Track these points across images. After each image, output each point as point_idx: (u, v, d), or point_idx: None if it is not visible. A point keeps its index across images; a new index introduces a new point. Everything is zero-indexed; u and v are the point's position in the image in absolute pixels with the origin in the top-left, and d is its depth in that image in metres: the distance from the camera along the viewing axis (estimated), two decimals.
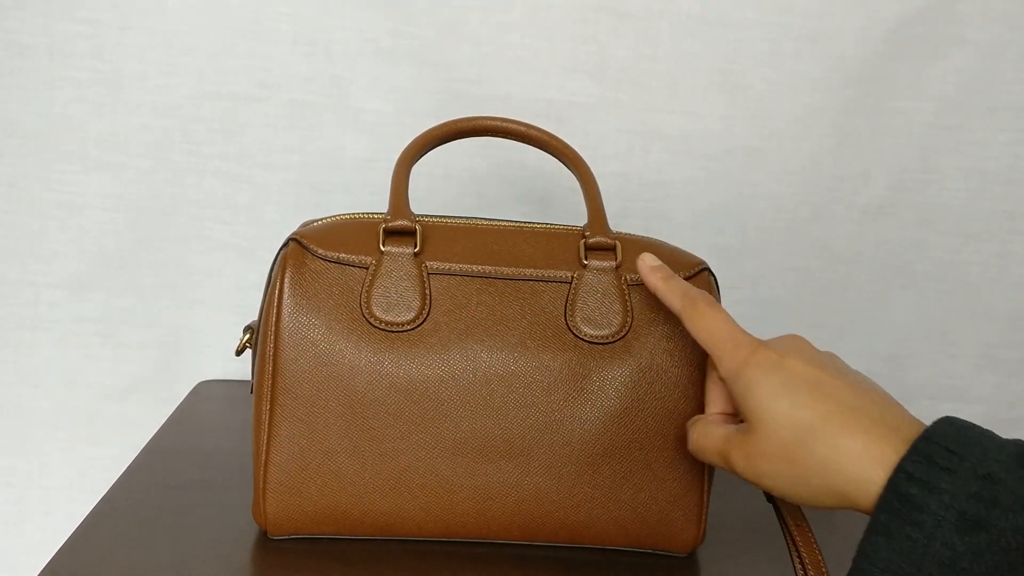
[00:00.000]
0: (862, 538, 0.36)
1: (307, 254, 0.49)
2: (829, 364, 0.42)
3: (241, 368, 0.77)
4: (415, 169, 0.53)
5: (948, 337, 0.82)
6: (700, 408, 0.49)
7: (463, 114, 0.55)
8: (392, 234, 0.50)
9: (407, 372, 0.48)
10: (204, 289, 0.78)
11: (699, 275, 0.52)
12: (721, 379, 0.44)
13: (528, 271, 0.50)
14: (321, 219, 0.52)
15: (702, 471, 0.51)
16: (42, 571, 0.46)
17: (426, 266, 0.49)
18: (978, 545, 0.33)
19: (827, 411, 0.38)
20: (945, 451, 0.35)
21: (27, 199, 0.74)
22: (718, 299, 0.52)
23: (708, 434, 0.44)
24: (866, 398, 0.39)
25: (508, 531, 0.50)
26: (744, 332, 0.43)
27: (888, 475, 0.35)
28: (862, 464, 0.37)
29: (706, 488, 0.51)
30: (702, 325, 0.44)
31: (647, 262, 0.48)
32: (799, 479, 0.39)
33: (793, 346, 0.42)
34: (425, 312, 0.49)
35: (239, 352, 0.52)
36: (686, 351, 0.50)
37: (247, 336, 0.52)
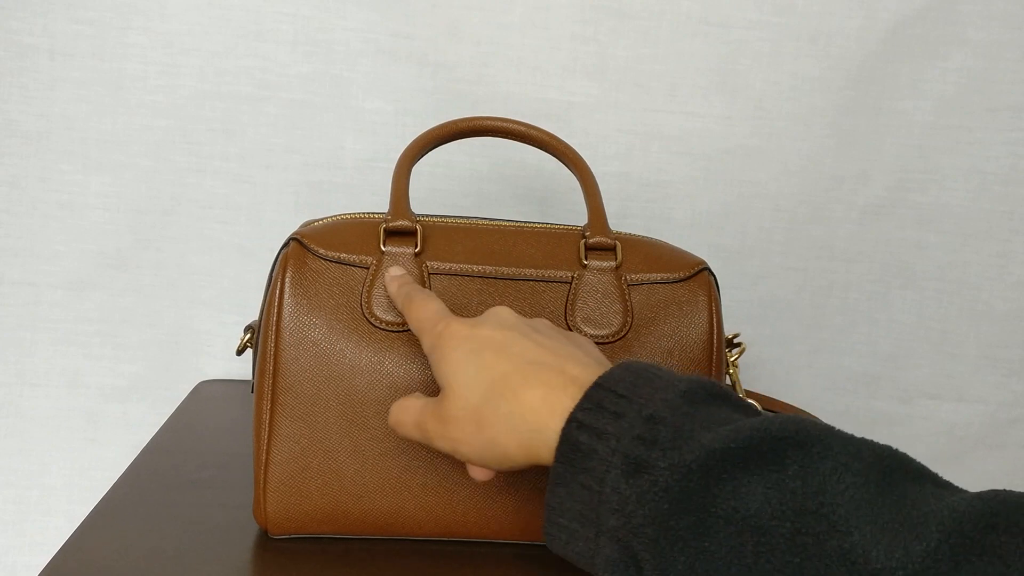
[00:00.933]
0: (546, 489, 0.36)
1: (308, 254, 0.49)
2: (522, 328, 0.42)
3: (241, 368, 0.77)
4: (415, 169, 0.53)
5: (948, 337, 0.82)
6: None
7: (463, 114, 0.55)
8: (393, 234, 0.50)
9: (408, 372, 0.48)
10: (204, 289, 0.78)
11: (699, 275, 0.52)
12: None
13: (528, 271, 0.50)
14: (322, 219, 0.52)
15: None
16: (42, 571, 0.46)
17: (427, 266, 0.49)
18: (641, 487, 0.32)
19: (509, 368, 0.39)
20: (615, 395, 0.35)
21: (28, 199, 0.74)
22: (719, 299, 0.52)
23: (405, 407, 0.44)
24: (551, 354, 0.39)
25: (508, 530, 0.50)
26: (448, 313, 0.44)
27: (563, 425, 0.36)
28: (542, 415, 0.37)
29: None
30: (412, 313, 0.45)
31: (389, 273, 0.48)
32: (489, 441, 0.39)
33: (489, 315, 0.43)
34: None
35: (240, 352, 0.53)
36: (686, 351, 0.50)
37: (248, 336, 0.52)
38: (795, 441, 0.31)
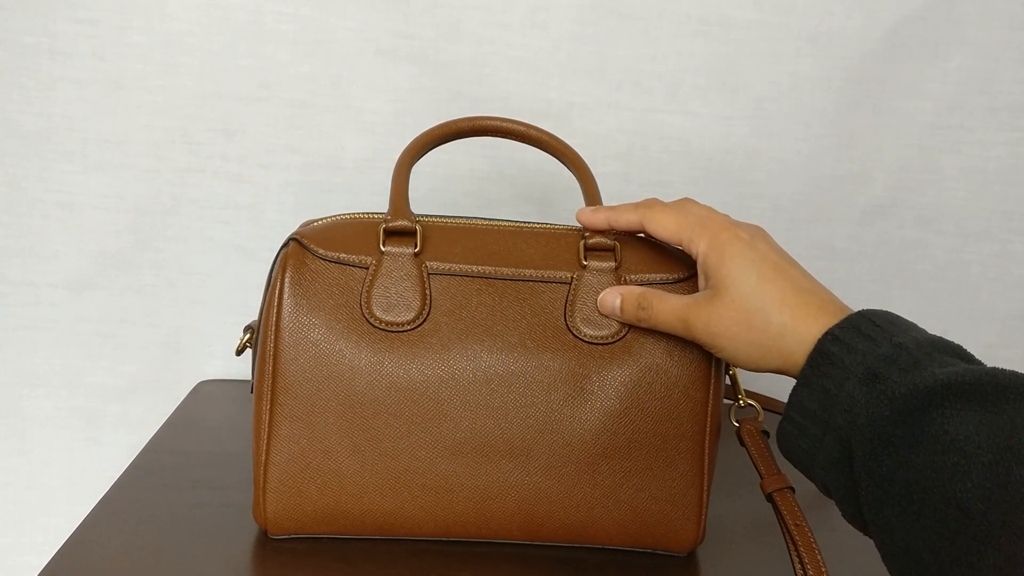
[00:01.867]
0: (791, 390, 0.41)
1: (307, 254, 0.49)
2: (787, 256, 0.47)
3: (241, 368, 0.77)
4: (415, 169, 0.53)
5: (948, 337, 0.81)
6: (701, 408, 0.50)
7: (463, 114, 0.55)
8: (392, 234, 0.50)
9: (407, 372, 0.48)
10: (204, 289, 0.78)
11: (699, 275, 0.51)
12: (694, 258, 0.48)
13: (528, 271, 0.50)
14: (321, 219, 0.52)
15: (702, 471, 0.51)
16: (42, 571, 0.46)
17: (426, 266, 0.49)
18: (872, 394, 0.37)
19: (787, 288, 0.44)
20: (872, 324, 0.40)
21: (28, 199, 0.74)
22: None
23: (665, 298, 0.47)
24: (819, 287, 0.45)
25: (508, 531, 0.50)
26: (709, 214, 0.48)
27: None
28: (811, 330, 0.42)
29: (706, 488, 0.51)
30: (666, 219, 0.48)
31: (584, 211, 0.51)
32: (753, 342, 0.44)
33: (759, 232, 0.47)
34: (425, 312, 0.49)
35: (239, 352, 0.52)
36: (686, 351, 0.50)
37: (247, 336, 0.52)
38: (1018, 392, 0.35)
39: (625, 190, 0.77)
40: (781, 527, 0.47)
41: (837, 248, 0.80)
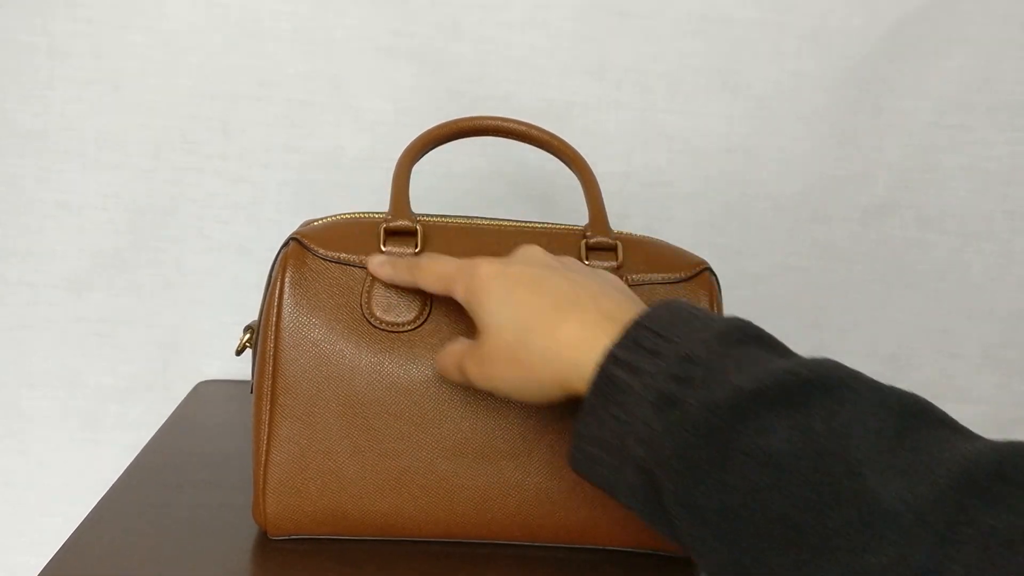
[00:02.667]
0: (576, 418, 0.38)
1: (308, 254, 0.49)
2: (554, 265, 0.43)
3: (241, 368, 0.77)
4: (415, 169, 0.53)
5: (949, 337, 0.82)
6: None
7: (463, 114, 0.55)
8: (393, 234, 0.50)
9: (407, 372, 0.48)
10: (204, 289, 0.78)
11: (700, 275, 0.51)
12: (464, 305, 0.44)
13: None
14: (321, 219, 0.52)
15: None
16: (42, 571, 0.46)
17: None
18: (670, 422, 0.34)
19: (543, 306, 0.40)
20: (653, 334, 0.36)
21: (26, 199, 0.74)
22: (720, 299, 0.52)
23: (447, 352, 0.46)
24: (584, 290, 0.40)
25: (508, 531, 0.50)
26: (470, 259, 0.44)
27: (599, 359, 0.37)
28: (579, 351, 0.38)
29: None
30: (430, 273, 0.45)
31: (372, 262, 0.48)
32: (525, 377, 0.40)
33: (521, 254, 0.44)
34: (426, 312, 0.49)
35: (239, 352, 0.52)
36: None
37: (247, 336, 0.52)
38: (823, 385, 0.33)
39: (625, 190, 0.77)
40: None
41: (838, 248, 0.80)
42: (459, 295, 0.44)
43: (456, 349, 0.45)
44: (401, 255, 0.48)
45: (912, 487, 0.30)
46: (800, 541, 0.31)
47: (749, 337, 0.37)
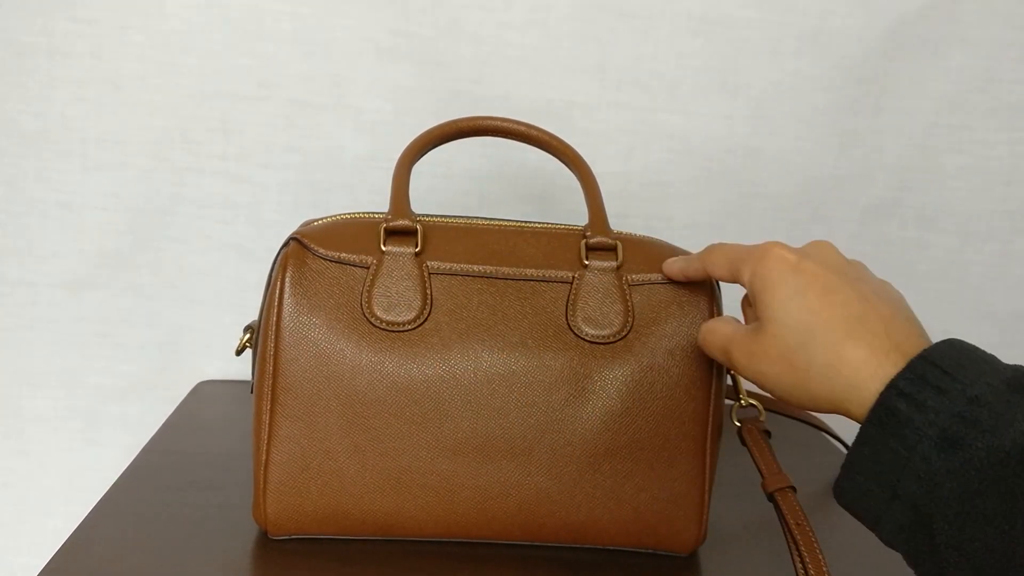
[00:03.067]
0: (850, 446, 0.37)
1: (308, 253, 0.49)
2: (848, 271, 0.41)
3: (241, 368, 0.77)
4: (415, 169, 0.53)
5: (949, 337, 0.81)
6: (703, 407, 0.50)
7: (463, 114, 0.55)
8: (393, 234, 0.50)
9: (408, 372, 0.48)
10: (204, 289, 0.78)
11: None
12: (747, 289, 0.44)
13: (529, 271, 0.50)
14: (321, 219, 0.52)
15: (703, 471, 0.50)
16: (42, 571, 0.46)
17: (427, 266, 0.49)
18: (953, 463, 0.33)
19: (833, 318, 0.39)
20: (939, 371, 0.35)
21: (26, 198, 0.74)
22: (719, 300, 0.52)
23: (713, 329, 0.46)
24: (876, 311, 0.39)
25: (509, 531, 0.50)
26: (762, 243, 0.44)
27: (882, 389, 0.36)
28: (860, 375, 0.37)
29: (707, 488, 0.51)
30: (719, 257, 0.46)
31: (665, 266, 0.50)
32: (797, 382, 0.39)
33: (815, 250, 0.43)
34: (426, 312, 0.49)
35: (239, 352, 0.52)
36: (687, 351, 0.50)
37: (247, 336, 0.52)
38: None
39: (625, 190, 0.77)
40: (782, 527, 0.47)
41: (838, 247, 0.79)
42: (745, 278, 0.43)
43: (726, 331, 0.44)
44: (687, 258, 0.49)
45: None
46: None
47: None
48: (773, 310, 0.40)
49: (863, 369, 0.37)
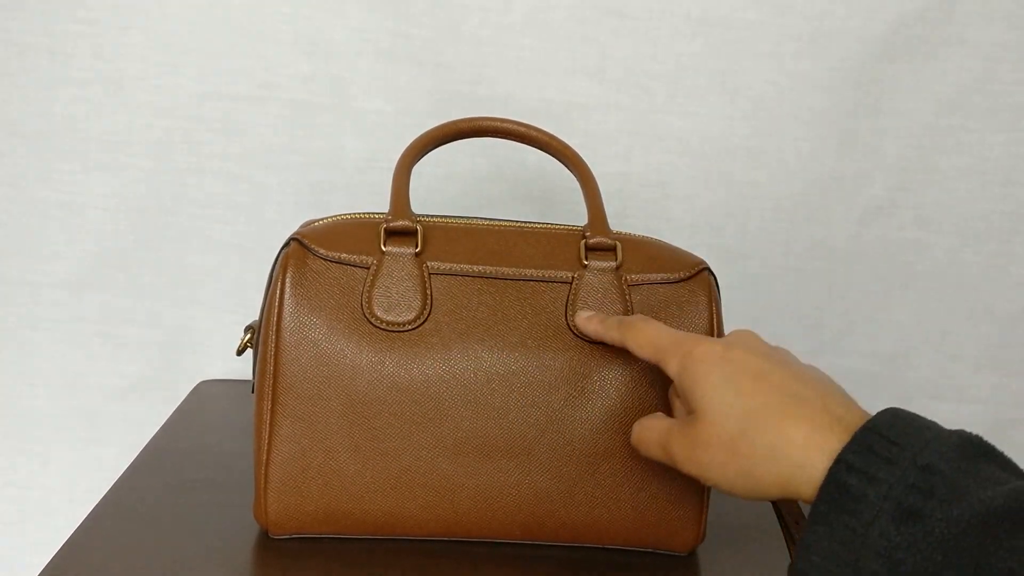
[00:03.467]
0: (804, 528, 0.36)
1: (308, 254, 0.49)
2: (775, 356, 0.42)
3: (242, 368, 0.77)
4: (416, 169, 0.53)
5: (948, 337, 0.82)
6: None
7: (463, 114, 0.55)
8: (393, 234, 0.50)
9: (408, 372, 0.48)
10: (204, 289, 0.78)
11: (699, 275, 0.52)
12: (672, 382, 0.44)
13: (529, 271, 0.50)
14: (322, 219, 0.52)
15: None
16: (42, 571, 0.46)
17: (427, 266, 0.49)
18: (913, 536, 0.33)
19: (770, 401, 0.38)
20: (886, 441, 0.35)
21: (28, 199, 0.74)
22: (719, 299, 0.52)
23: (649, 427, 0.45)
24: (811, 388, 0.39)
25: (509, 530, 0.50)
26: (686, 333, 0.44)
27: (829, 464, 0.35)
28: (806, 453, 0.36)
29: (706, 488, 0.51)
30: (644, 339, 0.45)
31: (580, 316, 0.49)
32: (742, 470, 0.39)
33: (739, 339, 0.43)
34: (426, 312, 0.49)
35: (240, 352, 0.52)
36: None
37: (248, 336, 0.52)
38: None
39: (625, 190, 0.77)
40: (781, 527, 0.47)
41: (837, 248, 0.80)
42: (672, 370, 0.43)
43: (659, 426, 0.43)
44: (604, 319, 0.48)
45: None
46: None
47: (984, 453, 0.35)
48: (708, 400, 0.40)
49: (808, 446, 0.36)
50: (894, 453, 0.34)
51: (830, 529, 0.35)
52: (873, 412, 0.37)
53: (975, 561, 0.31)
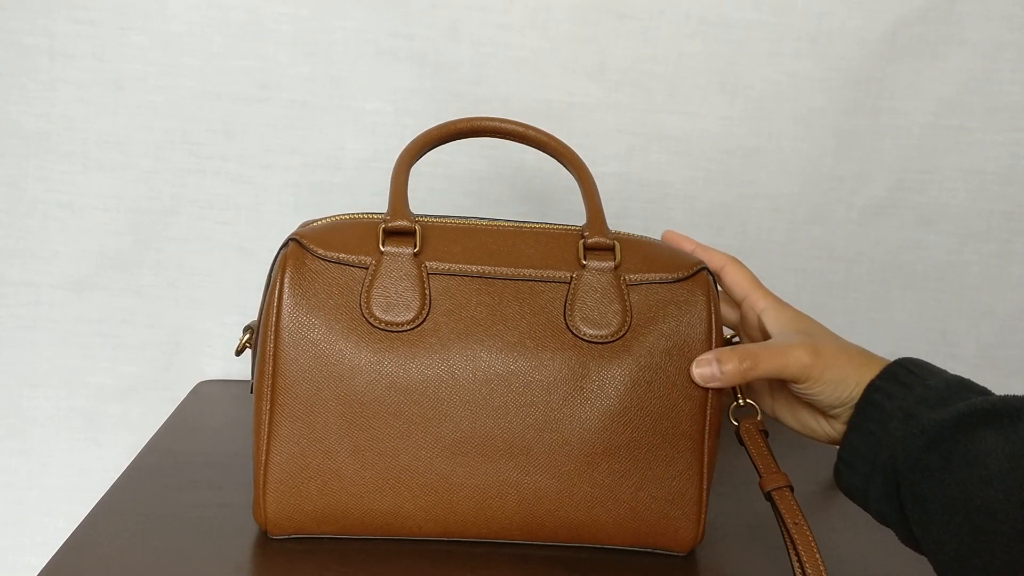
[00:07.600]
0: (843, 435, 0.47)
1: (307, 254, 0.49)
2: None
3: (241, 368, 0.77)
4: (415, 169, 0.53)
5: (948, 337, 0.82)
6: (700, 407, 0.50)
7: (463, 114, 0.55)
8: (392, 234, 0.50)
9: (407, 372, 0.48)
10: (204, 289, 0.78)
11: (698, 275, 0.52)
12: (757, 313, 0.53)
13: (527, 271, 0.50)
14: (321, 219, 0.52)
15: (701, 470, 0.51)
16: (42, 571, 0.46)
17: (426, 266, 0.49)
18: (908, 430, 0.44)
19: (840, 347, 0.49)
20: (906, 371, 0.46)
21: (28, 199, 0.74)
22: (717, 298, 0.52)
23: (784, 351, 0.49)
24: (852, 345, 0.50)
25: (508, 530, 0.50)
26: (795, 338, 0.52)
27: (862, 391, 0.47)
28: (863, 377, 0.47)
29: (705, 487, 0.51)
30: (744, 275, 0.54)
31: (671, 233, 0.56)
32: (836, 392, 0.48)
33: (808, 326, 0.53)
34: (425, 312, 0.49)
35: (239, 352, 0.53)
36: (685, 351, 0.50)
37: (247, 336, 0.52)
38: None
39: (625, 190, 0.77)
40: (780, 526, 0.47)
41: (837, 248, 0.80)
42: (806, 363, 0.49)
43: (791, 339, 0.50)
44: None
45: None
46: (1000, 529, 0.39)
47: (979, 390, 0.45)
48: (816, 334, 0.50)
49: (863, 376, 0.47)
50: (910, 379, 0.46)
51: (859, 434, 0.46)
52: None
53: (948, 447, 0.41)
